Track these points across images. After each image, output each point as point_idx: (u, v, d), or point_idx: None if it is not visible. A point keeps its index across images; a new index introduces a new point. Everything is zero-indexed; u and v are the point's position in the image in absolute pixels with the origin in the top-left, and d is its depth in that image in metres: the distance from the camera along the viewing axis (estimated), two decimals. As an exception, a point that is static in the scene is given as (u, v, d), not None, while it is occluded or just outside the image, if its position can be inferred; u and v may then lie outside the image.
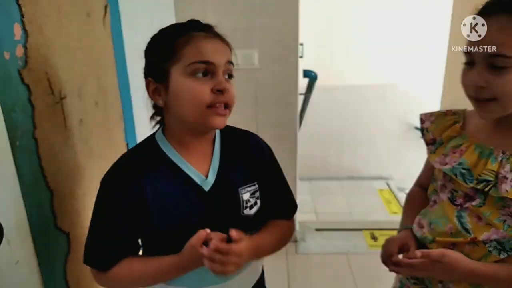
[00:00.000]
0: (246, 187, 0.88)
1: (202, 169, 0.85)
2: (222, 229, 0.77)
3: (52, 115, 0.87)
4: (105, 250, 0.82)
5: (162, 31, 0.82)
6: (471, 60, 0.77)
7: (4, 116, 0.71)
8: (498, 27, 0.72)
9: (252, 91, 2.18)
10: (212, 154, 0.87)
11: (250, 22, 2.05)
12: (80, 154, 1.00)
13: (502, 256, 0.81)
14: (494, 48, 0.72)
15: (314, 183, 3.69)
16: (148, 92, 0.83)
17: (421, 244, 0.91)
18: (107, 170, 0.84)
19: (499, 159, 0.79)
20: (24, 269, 0.78)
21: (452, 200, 0.86)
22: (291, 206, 1.00)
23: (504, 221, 0.79)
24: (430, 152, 0.92)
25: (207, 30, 0.80)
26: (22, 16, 0.77)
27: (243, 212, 0.87)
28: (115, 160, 0.85)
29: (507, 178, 0.77)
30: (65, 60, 0.93)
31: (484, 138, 0.84)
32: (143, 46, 0.84)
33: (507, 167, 0.78)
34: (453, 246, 0.84)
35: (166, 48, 0.78)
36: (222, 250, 0.73)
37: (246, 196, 0.88)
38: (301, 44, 2.19)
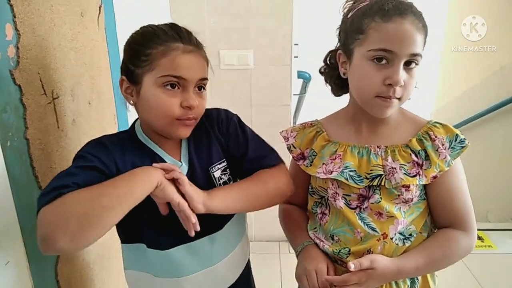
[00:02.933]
0: (216, 165, 0.90)
1: (176, 156, 0.88)
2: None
3: (44, 115, 0.87)
4: (71, 181, 0.69)
5: (142, 34, 0.81)
6: (384, 58, 0.76)
7: (-5, 117, 0.71)
8: (415, 28, 0.75)
9: (246, 91, 2.19)
10: (181, 140, 0.90)
11: (245, 23, 2.05)
12: (72, 154, 0.98)
13: (406, 245, 0.84)
14: (416, 48, 0.75)
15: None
16: (121, 89, 0.84)
17: (332, 260, 0.88)
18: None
19: (379, 153, 0.84)
20: (15, 270, 0.77)
21: (347, 205, 0.86)
22: (271, 155, 0.92)
23: (400, 208, 0.84)
24: (306, 166, 0.92)
25: (186, 41, 0.79)
26: (14, 16, 0.76)
27: None
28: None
29: (395, 168, 0.82)
30: (58, 60, 0.93)
31: (353, 140, 0.88)
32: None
33: (389, 158, 0.83)
34: (368, 252, 0.83)
35: (142, 54, 0.78)
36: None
37: (217, 173, 0.89)
38: (296, 44, 2.20)
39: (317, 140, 0.91)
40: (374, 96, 0.78)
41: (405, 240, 0.84)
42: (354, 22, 0.80)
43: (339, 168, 0.85)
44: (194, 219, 0.74)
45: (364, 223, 0.84)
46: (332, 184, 0.88)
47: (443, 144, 0.82)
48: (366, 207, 0.85)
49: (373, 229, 0.84)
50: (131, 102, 0.84)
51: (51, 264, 0.90)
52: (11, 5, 0.75)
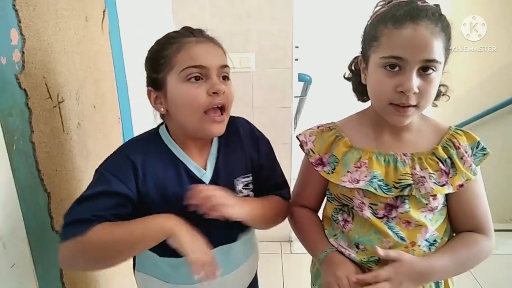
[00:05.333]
0: (240, 178, 0.90)
1: (201, 162, 0.87)
2: (218, 220, 0.79)
3: (49, 119, 0.88)
4: (90, 213, 0.74)
5: (156, 43, 0.84)
6: (396, 65, 0.74)
7: (0, 121, 0.72)
8: (429, 33, 0.72)
9: (248, 93, 2.20)
10: (210, 147, 0.90)
11: (246, 26, 2.06)
12: (77, 156, 1.00)
13: (432, 251, 0.84)
14: (430, 54, 0.72)
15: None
16: (150, 102, 0.86)
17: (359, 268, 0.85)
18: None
19: (406, 161, 0.82)
20: (20, 272, 0.78)
21: (374, 215, 0.84)
22: (287, 188, 0.99)
23: (426, 216, 0.83)
24: (327, 173, 0.87)
25: (198, 34, 0.83)
26: (19, 21, 0.77)
27: None
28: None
29: (424, 177, 0.80)
30: (63, 65, 0.94)
31: (374, 145, 0.85)
32: (141, 49, 0.85)
33: (417, 167, 0.81)
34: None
35: (160, 58, 0.80)
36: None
37: (239, 186, 0.90)
38: (297, 47, 2.21)
39: (337, 145, 0.87)
40: (388, 104, 0.77)
41: (430, 247, 0.83)
42: (370, 28, 0.80)
43: (365, 177, 0.82)
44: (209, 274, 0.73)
45: (393, 232, 0.82)
46: (358, 194, 0.84)
47: (466, 152, 0.82)
48: (394, 217, 0.82)
49: (402, 238, 0.82)
50: (162, 110, 0.85)
51: (56, 266, 0.90)
52: (16, 10, 0.76)
